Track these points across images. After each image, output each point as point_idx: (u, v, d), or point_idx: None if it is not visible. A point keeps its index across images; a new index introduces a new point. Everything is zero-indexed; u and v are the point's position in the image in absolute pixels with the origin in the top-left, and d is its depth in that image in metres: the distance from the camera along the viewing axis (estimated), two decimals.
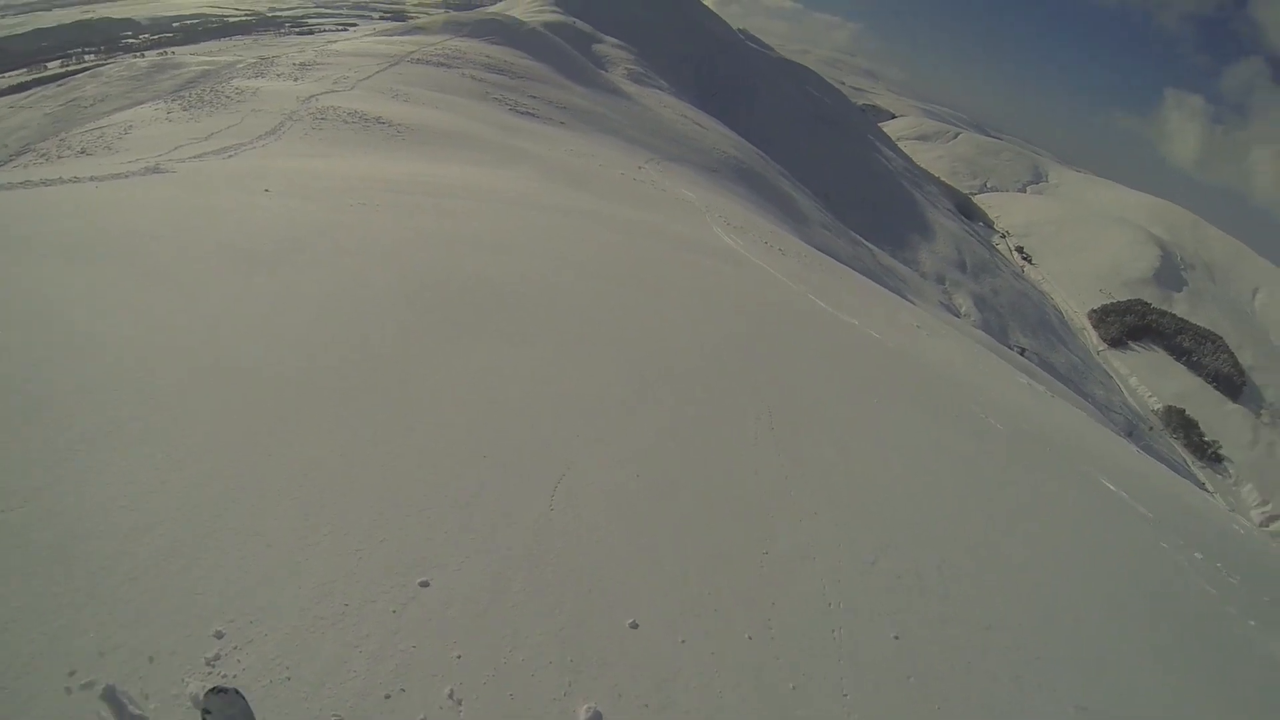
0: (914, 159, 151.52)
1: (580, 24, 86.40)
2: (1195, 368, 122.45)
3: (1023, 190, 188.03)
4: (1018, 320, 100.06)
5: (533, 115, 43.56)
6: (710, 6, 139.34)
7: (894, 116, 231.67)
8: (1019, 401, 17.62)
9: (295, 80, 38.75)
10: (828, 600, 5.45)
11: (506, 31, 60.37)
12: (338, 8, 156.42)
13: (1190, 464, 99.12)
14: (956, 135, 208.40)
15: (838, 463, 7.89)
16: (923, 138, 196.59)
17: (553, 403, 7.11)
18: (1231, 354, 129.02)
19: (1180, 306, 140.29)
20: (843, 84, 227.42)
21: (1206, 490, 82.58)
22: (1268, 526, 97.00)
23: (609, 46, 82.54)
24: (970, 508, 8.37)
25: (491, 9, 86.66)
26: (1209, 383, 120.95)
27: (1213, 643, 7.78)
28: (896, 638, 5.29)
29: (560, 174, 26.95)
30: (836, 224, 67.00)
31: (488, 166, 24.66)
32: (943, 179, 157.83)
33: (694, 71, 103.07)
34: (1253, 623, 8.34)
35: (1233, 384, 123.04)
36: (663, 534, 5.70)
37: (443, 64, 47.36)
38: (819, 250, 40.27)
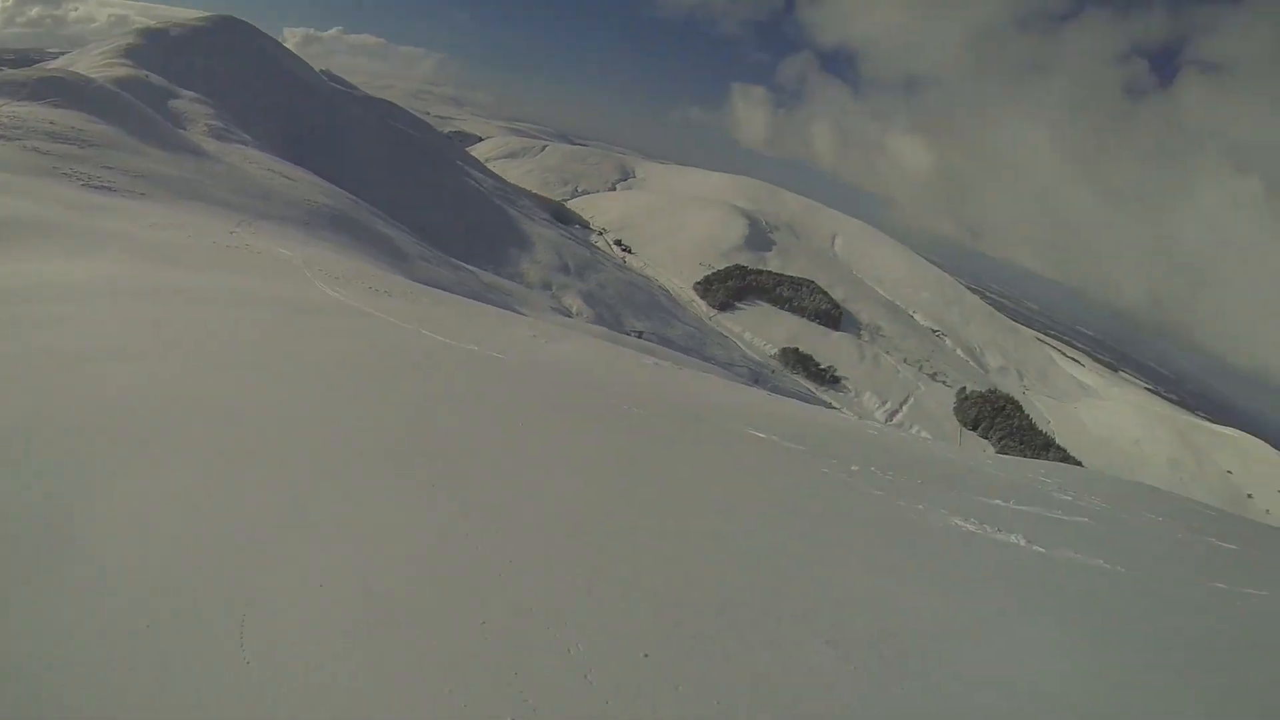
0: (505, 177, 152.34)
1: (154, 78, 77.59)
2: (798, 311, 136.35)
3: (613, 189, 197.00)
4: (629, 308, 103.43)
5: (110, 189, 38.04)
6: (292, 49, 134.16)
7: (481, 139, 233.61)
8: (651, 384, 18.18)
9: None
10: (567, 648, 4.59)
11: (72, 91, 51.90)
12: None
13: (816, 391, 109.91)
14: (544, 148, 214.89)
15: (510, 503, 6.90)
16: (511, 155, 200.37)
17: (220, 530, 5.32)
18: (825, 293, 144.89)
19: (774, 264, 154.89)
20: (429, 114, 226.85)
21: (834, 408, 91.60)
22: (892, 420, 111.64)
23: (187, 101, 75.41)
24: (657, 499, 7.88)
25: (53, 64, 76.17)
26: (812, 321, 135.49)
27: (899, 529, 8.61)
28: (646, 656, 4.63)
29: (150, 251, 23.72)
30: (436, 254, 65.85)
31: (66, 257, 20.86)
32: (535, 191, 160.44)
33: (278, 119, 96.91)
34: (920, 506, 9.43)
35: (832, 317, 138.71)
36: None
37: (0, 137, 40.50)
38: (424, 284, 39.18)
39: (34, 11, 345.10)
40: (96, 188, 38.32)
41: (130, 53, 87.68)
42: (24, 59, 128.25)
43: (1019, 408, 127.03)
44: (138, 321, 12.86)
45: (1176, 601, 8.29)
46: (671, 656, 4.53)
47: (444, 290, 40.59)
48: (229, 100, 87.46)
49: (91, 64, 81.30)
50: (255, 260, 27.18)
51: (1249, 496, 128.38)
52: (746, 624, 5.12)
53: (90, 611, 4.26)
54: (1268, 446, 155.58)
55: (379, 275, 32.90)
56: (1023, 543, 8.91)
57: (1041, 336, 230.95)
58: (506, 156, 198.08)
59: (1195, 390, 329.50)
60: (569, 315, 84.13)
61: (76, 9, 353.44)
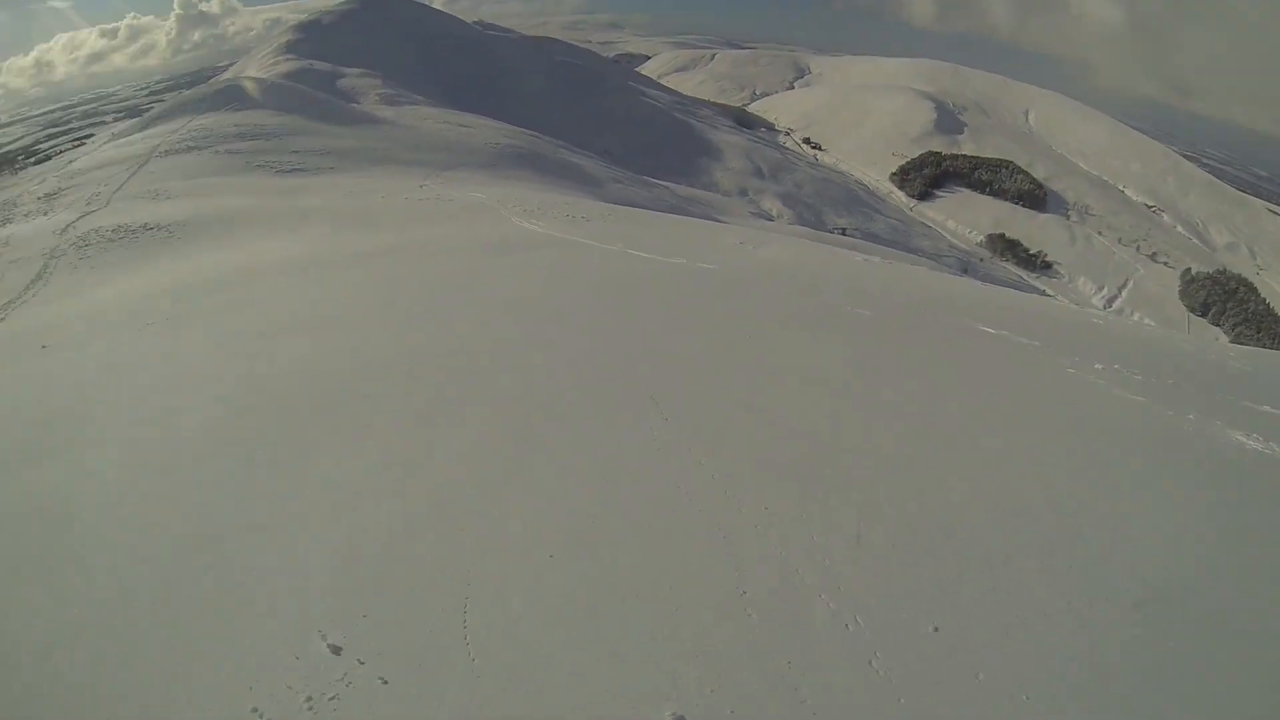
0: (680, 90, 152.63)
1: (318, 64, 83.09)
2: (1000, 194, 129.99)
3: (791, 88, 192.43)
4: (829, 205, 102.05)
5: (302, 170, 41.46)
6: (441, 8, 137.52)
7: (648, 58, 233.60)
8: (868, 281, 17.01)
9: (45, 215, 35.32)
10: (845, 623, 3.98)
11: (246, 95, 57.27)
12: (66, 123, 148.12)
13: (1027, 278, 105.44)
14: (713, 56, 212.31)
15: (749, 431, 6.33)
16: (682, 69, 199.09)
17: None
18: (1026, 172, 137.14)
19: (967, 146, 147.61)
20: (590, 42, 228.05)
21: (1049, 295, 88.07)
22: (1111, 307, 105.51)
23: (354, 78, 79.70)
24: (907, 419, 7.05)
25: (223, 77, 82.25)
26: (1016, 203, 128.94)
27: (1177, 449, 7.34)
28: (935, 630, 3.96)
29: (349, 219, 25.42)
30: (628, 175, 66.80)
31: (275, 237, 22.85)
32: (713, 100, 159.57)
33: (444, 76, 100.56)
34: (1191, 417, 8.11)
35: (1036, 198, 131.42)
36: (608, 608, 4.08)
37: (193, 148, 44.10)
38: (621, 205, 39.97)
39: (196, 36, 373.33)
40: (289, 171, 41.33)
41: (291, 48, 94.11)
42: (199, 79, 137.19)
43: (1254, 290, 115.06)
44: (342, 288, 13.92)
45: None
46: (964, 630, 3.90)
47: (642, 209, 41.19)
48: (394, 68, 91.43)
49: (260, 66, 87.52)
50: (448, 209, 27.85)
51: None
52: (1038, 580, 4.38)
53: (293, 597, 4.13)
54: None
55: (574, 203, 33.15)
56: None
57: (1274, 208, 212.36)
58: (677, 71, 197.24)
59: None
60: (770, 218, 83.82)
61: (233, 23, 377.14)
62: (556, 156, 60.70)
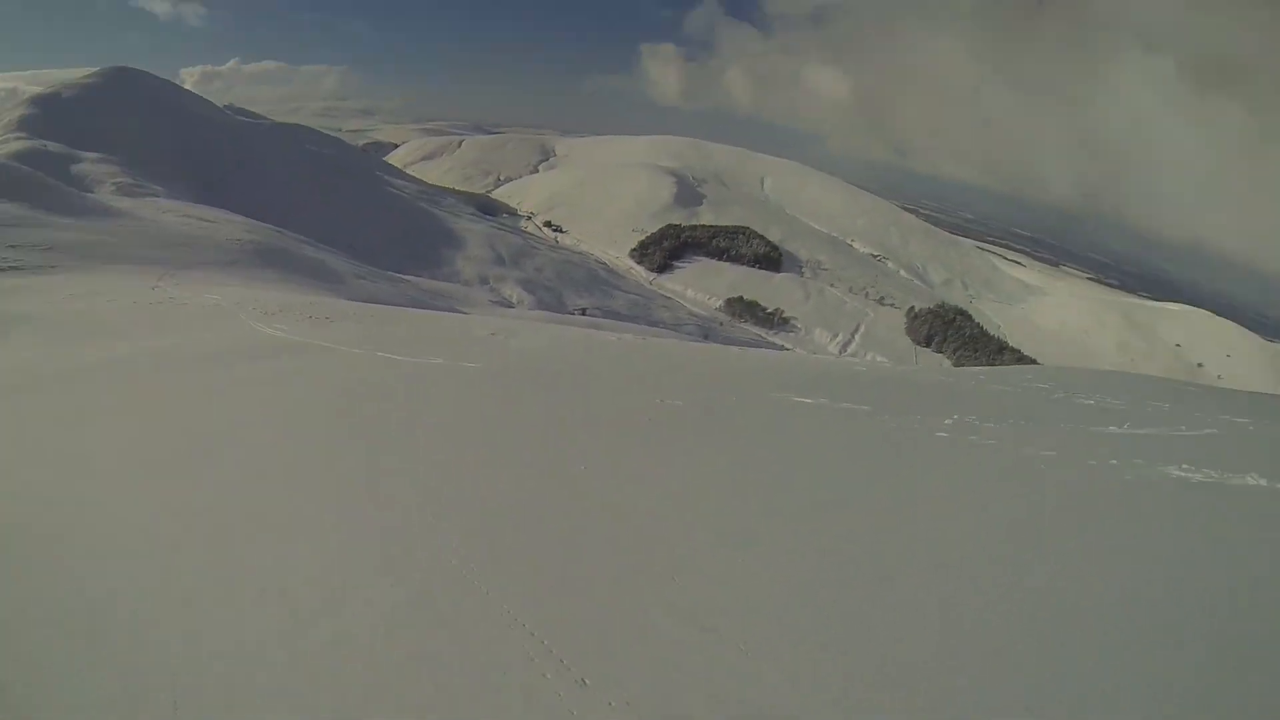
0: (425, 179, 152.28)
1: (52, 145, 76.34)
2: (737, 259, 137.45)
3: (536, 171, 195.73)
4: (569, 286, 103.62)
5: (17, 269, 36.81)
6: (192, 89, 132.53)
7: (397, 145, 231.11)
8: (644, 363, 15.71)
9: None
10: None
11: None
12: None
13: (766, 335, 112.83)
14: (461, 143, 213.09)
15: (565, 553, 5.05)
16: (429, 156, 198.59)
17: None
18: (762, 236, 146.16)
19: (706, 217, 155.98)
20: (341, 130, 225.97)
21: (786, 348, 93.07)
22: (845, 351, 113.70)
23: (90, 163, 73.70)
24: (797, 520, 5.99)
25: None
26: (753, 266, 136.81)
27: (1077, 487, 7.05)
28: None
29: (68, 326, 22.94)
30: (371, 270, 65.34)
31: None
32: (458, 188, 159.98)
33: (190, 164, 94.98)
34: (1050, 453, 8.01)
35: (772, 259, 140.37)
36: None
37: None
38: (366, 302, 38.76)
39: None
40: (3, 270, 36.98)
41: (24, 124, 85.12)
42: None
43: (968, 317, 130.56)
44: (51, 420, 10.76)
45: None
46: None
47: (386, 305, 40.16)
48: (136, 153, 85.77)
49: None
50: (182, 313, 25.08)
51: (1199, 365, 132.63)
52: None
53: None
54: (1211, 315, 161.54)
55: (316, 303, 31.18)
56: (1186, 473, 7.49)
57: (981, 245, 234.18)
58: (425, 159, 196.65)
59: (1134, 272, 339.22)
60: (510, 305, 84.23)
61: None
62: (301, 253, 58.56)
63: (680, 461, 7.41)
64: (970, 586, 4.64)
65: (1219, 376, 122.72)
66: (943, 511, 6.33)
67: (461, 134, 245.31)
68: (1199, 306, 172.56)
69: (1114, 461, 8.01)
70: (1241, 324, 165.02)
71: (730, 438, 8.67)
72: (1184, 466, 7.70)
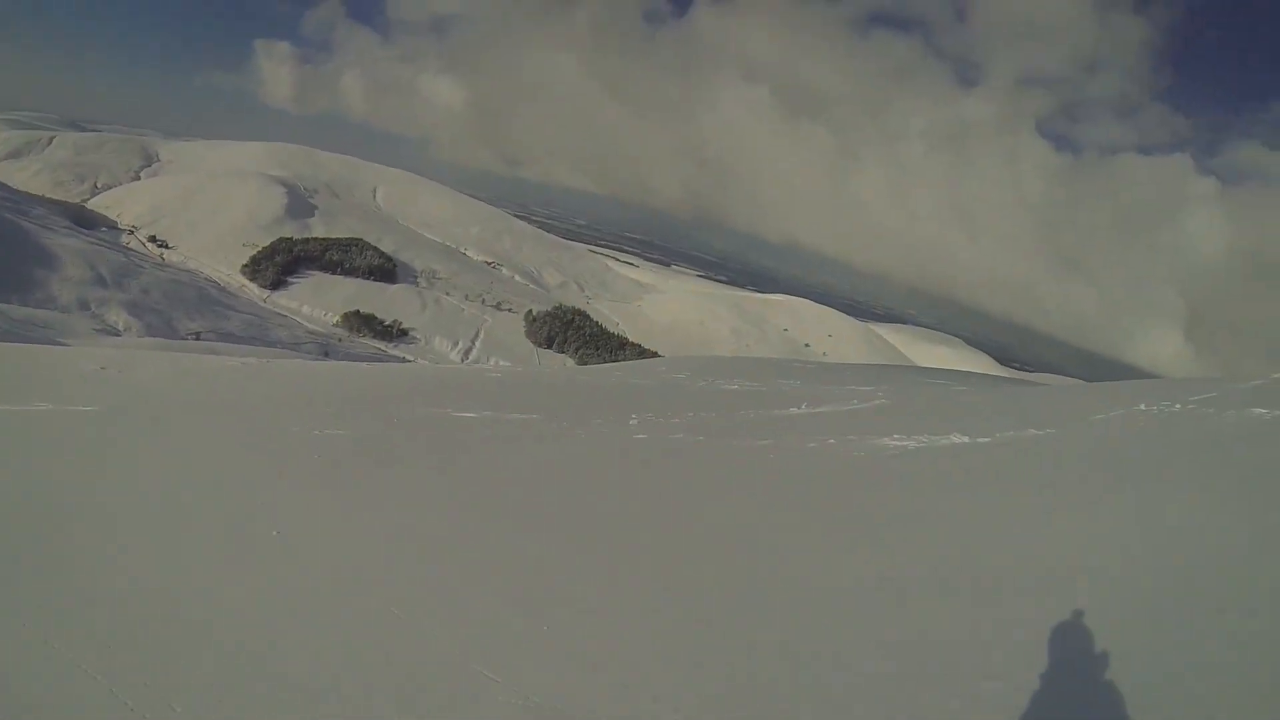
0: (10, 182, 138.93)
1: None
2: (351, 272, 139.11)
3: (138, 178, 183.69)
4: (180, 308, 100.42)
5: None
6: None
7: None
8: (277, 384, 15.35)
9: None
10: None
11: None
12: None
13: (386, 349, 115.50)
14: (52, 139, 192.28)
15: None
16: (15, 155, 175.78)
17: None
18: (375, 248, 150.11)
19: (319, 229, 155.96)
20: None
21: (409, 360, 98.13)
22: (468, 359, 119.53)
23: None
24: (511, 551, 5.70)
25: None
26: (368, 279, 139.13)
27: (832, 479, 7.97)
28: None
29: None
30: None
31: None
32: (49, 196, 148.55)
33: None
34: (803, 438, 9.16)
35: (386, 271, 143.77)
36: None
37: None
38: None
39: None
40: None
41: None
42: None
43: (587, 317, 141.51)
44: None
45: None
46: None
47: None
48: None
49: None
50: None
51: (806, 346, 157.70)
52: None
53: None
54: (810, 302, 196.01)
55: None
56: (900, 441, 8.60)
57: (594, 248, 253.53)
58: (9, 157, 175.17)
59: (740, 269, 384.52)
60: (118, 333, 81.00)
61: None
62: None
63: (380, 498, 6.94)
64: (771, 583, 4.95)
65: (824, 354, 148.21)
66: (722, 511, 6.62)
67: (53, 129, 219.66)
68: (800, 296, 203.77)
69: (831, 440, 8.66)
70: (838, 309, 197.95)
71: (414, 466, 8.29)
72: (895, 436, 8.55)
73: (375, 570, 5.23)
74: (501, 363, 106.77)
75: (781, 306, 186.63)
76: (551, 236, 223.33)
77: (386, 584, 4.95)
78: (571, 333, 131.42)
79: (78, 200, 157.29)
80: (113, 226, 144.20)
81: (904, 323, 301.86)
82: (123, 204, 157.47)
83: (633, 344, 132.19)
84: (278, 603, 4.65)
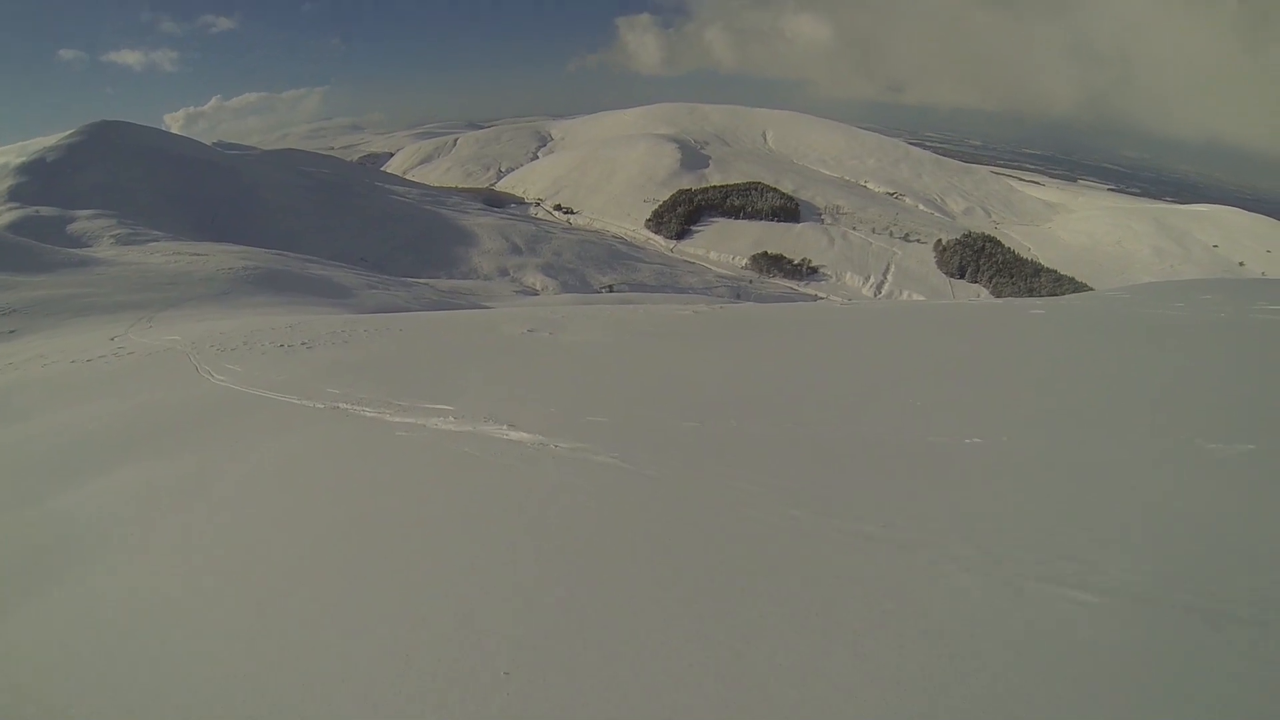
0: (426, 182, 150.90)
1: (45, 210, 74.58)
2: (754, 216, 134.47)
3: (535, 158, 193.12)
4: (591, 265, 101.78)
5: None
6: (178, 132, 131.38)
7: (392, 154, 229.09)
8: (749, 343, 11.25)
9: None
10: None
11: None
12: None
13: (797, 288, 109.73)
14: (456, 142, 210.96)
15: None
16: (426, 160, 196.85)
17: None
18: (775, 189, 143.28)
19: (715, 178, 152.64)
20: (333, 148, 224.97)
21: (822, 298, 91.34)
22: (881, 292, 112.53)
23: (85, 220, 71.80)
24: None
25: None
26: (771, 220, 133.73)
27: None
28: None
29: None
30: (384, 279, 63.15)
31: None
32: (461, 186, 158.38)
33: (187, 205, 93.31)
34: None
35: (789, 211, 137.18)
36: None
37: None
38: (378, 312, 35.83)
39: None
40: None
41: (14, 194, 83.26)
42: None
43: (998, 244, 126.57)
44: None
45: None
46: None
47: (403, 311, 37.53)
48: (131, 203, 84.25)
49: None
50: (121, 367, 18.69)
51: (1240, 264, 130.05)
52: None
53: None
54: (1241, 212, 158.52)
55: (301, 324, 25.64)
56: None
57: (995, 169, 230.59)
58: (422, 163, 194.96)
59: (1154, 178, 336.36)
60: (535, 293, 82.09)
61: None
62: (304, 272, 55.97)
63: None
64: None
65: (1263, 273, 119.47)
66: None
67: (454, 132, 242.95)
68: (1227, 205, 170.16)
69: None
70: (1274, 217, 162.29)
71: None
72: None
73: None
74: (915, 296, 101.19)
75: (1207, 219, 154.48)
76: (950, 160, 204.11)
77: None
78: (984, 261, 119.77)
79: (486, 186, 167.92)
80: (520, 202, 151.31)
81: None
82: (526, 182, 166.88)
83: (1048, 270, 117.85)
84: None
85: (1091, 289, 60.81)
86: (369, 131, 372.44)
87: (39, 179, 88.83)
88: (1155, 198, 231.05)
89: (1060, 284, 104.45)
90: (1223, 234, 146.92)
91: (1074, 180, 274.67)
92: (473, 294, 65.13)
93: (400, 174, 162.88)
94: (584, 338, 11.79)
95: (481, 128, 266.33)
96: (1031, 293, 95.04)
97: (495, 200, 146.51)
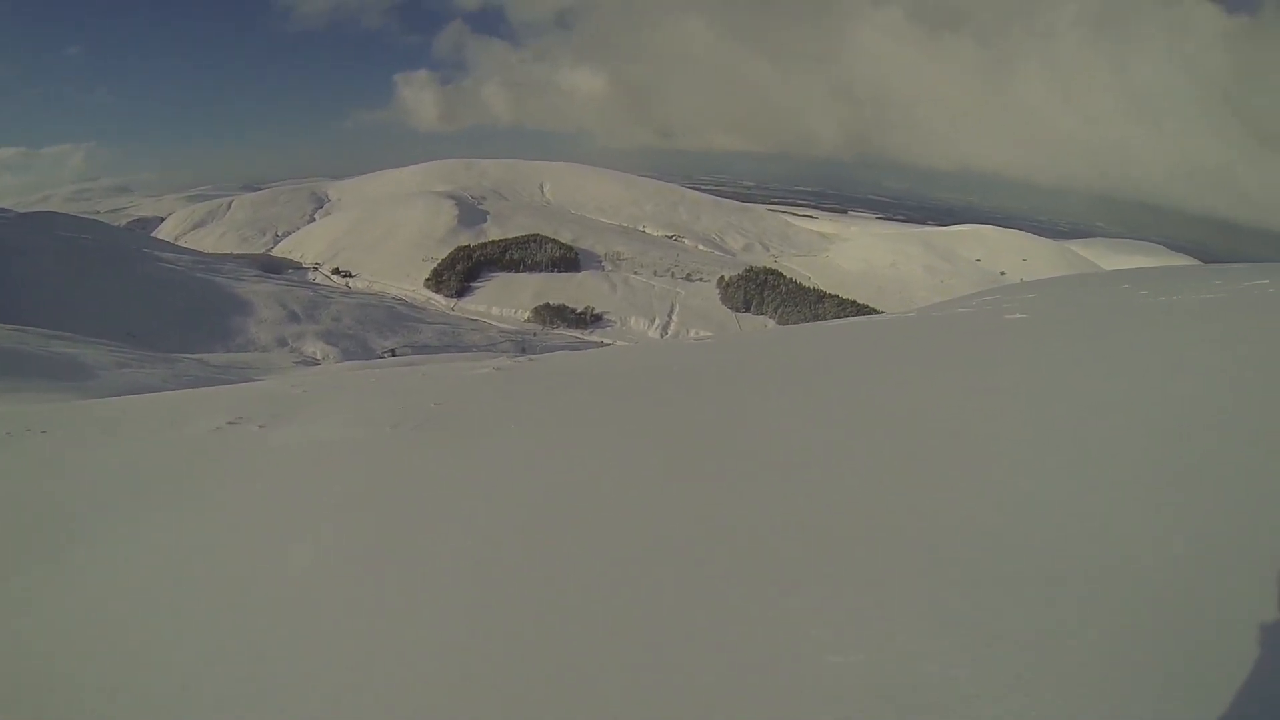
0: (200, 248, 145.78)
1: None
2: (534, 267, 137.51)
3: (313, 220, 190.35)
4: (372, 330, 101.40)
5: None
6: None
7: (163, 219, 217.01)
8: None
9: None
10: None
11: None
12: None
13: (583, 336, 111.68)
14: (230, 204, 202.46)
15: None
16: (200, 224, 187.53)
17: None
18: (554, 240, 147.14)
19: (494, 232, 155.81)
20: (98, 212, 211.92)
21: (607, 344, 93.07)
22: (667, 333, 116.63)
23: None
24: None
25: None
26: (552, 271, 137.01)
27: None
28: None
29: None
30: (145, 355, 60.47)
31: None
32: (236, 252, 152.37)
33: None
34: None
35: (569, 260, 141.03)
36: None
37: None
38: (116, 396, 34.08)
39: None
40: None
41: None
42: None
43: (780, 275, 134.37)
44: None
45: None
46: None
47: (143, 393, 35.95)
48: None
49: None
50: None
51: (1001, 274, 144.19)
52: None
53: None
54: (996, 228, 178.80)
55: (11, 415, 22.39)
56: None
57: (770, 207, 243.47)
58: (195, 227, 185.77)
59: (917, 205, 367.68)
60: (317, 362, 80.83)
61: None
62: (42, 350, 53.11)
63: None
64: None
65: (1021, 280, 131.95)
66: None
67: (229, 195, 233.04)
68: (983, 224, 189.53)
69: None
70: (1024, 231, 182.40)
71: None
72: None
73: None
74: (701, 333, 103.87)
75: (969, 237, 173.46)
76: (728, 201, 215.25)
77: None
78: (768, 293, 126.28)
79: (263, 251, 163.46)
80: (298, 267, 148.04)
81: (1093, 236, 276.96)
82: (303, 245, 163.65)
83: (831, 295, 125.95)
84: None
85: (879, 311, 65.95)
86: (139, 194, 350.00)
87: None
88: (920, 222, 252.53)
89: (844, 308, 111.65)
90: (985, 249, 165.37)
91: (845, 212, 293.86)
92: (249, 367, 62.87)
93: (172, 239, 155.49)
94: (313, 434, 7.40)
95: (258, 189, 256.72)
96: (817, 318, 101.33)
97: (272, 266, 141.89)
